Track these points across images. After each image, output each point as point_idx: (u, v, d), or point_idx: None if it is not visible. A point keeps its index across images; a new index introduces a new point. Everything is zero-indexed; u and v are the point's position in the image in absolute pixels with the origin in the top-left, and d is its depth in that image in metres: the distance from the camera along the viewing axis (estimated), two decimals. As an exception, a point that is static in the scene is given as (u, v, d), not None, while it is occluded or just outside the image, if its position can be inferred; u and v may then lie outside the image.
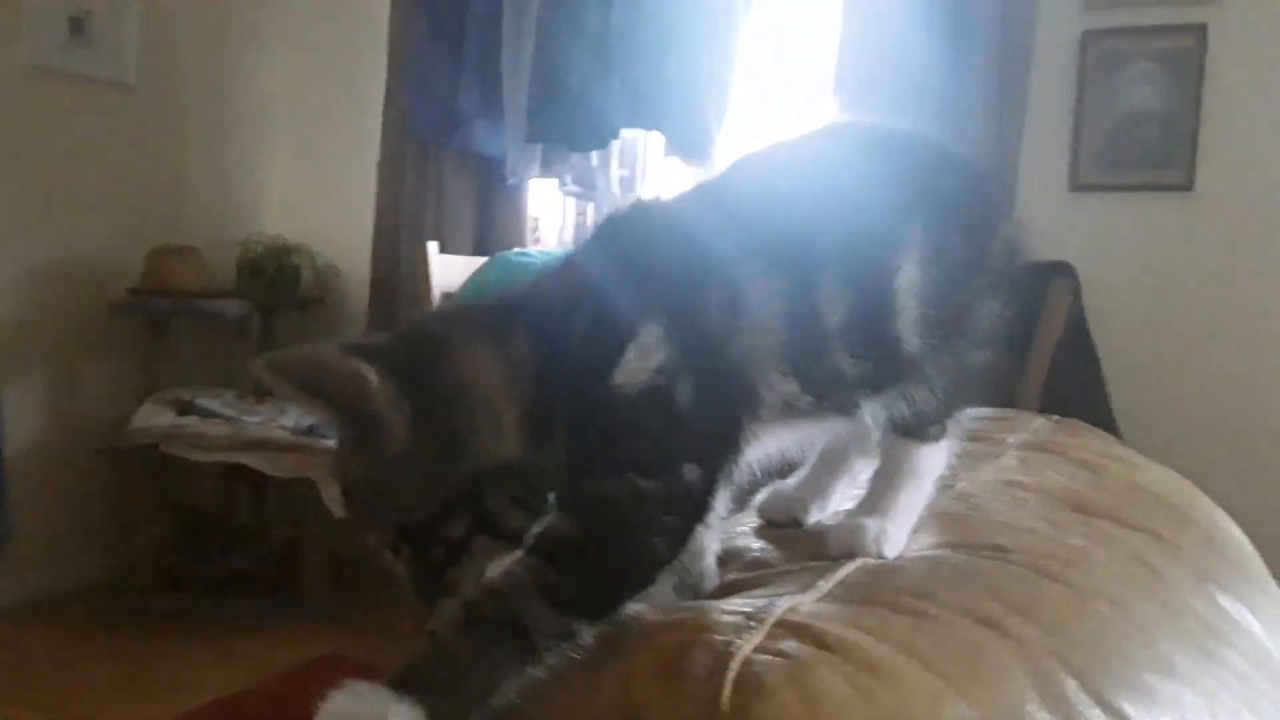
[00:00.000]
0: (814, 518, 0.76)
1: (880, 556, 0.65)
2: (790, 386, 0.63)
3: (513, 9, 2.90)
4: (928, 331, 0.68)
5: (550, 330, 0.59)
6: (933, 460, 0.73)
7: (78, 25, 2.90)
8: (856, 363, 0.65)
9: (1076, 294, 2.53)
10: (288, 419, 2.86)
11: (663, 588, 0.58)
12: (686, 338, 0.59)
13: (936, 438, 0.73)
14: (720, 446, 0.60)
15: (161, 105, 3.15)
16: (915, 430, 0.72)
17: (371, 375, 0.56)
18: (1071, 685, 0.50)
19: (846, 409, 0.68)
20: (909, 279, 0.67)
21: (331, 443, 2.44)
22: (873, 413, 0.70)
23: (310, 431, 2.81)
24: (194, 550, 2.92)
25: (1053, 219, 2.69)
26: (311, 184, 3.47)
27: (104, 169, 3.01)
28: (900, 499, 0.70)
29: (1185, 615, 0.65)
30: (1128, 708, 0.52)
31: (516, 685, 0.52)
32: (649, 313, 0.59)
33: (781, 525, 0.73)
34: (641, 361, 0.58)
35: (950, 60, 2.57)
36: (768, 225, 0.65)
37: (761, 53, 2.90)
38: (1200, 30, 2.54)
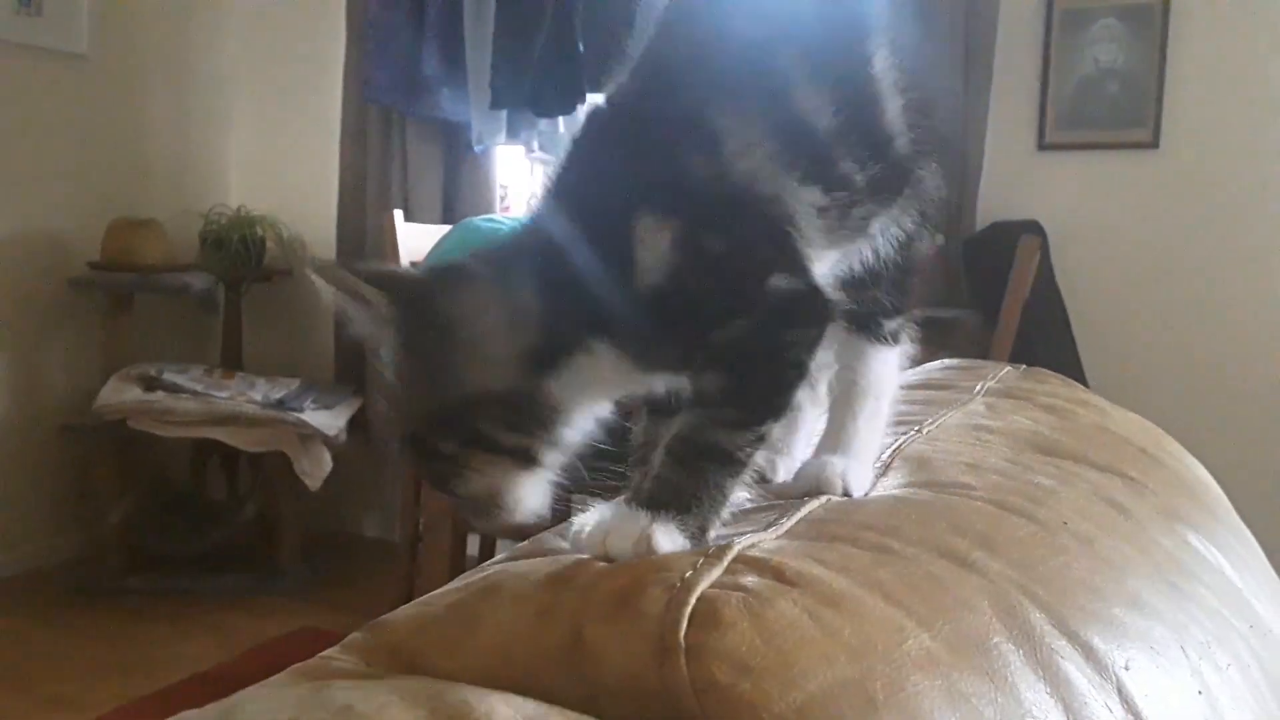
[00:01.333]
0: (781, 476, 0.74)
1: (846, 494, 0.63)
2: (812, 194, 0.62)
3: (474, -9, 2.85)
4: (910, 128, 0.66)
5: (555, 266, 0.61)
6: (888, 371, 0.71)
7: (28, -5, 2.82)
8: (861, 168, 0.64)
9: (1045, 251, 2.54)
10: (257, 393, 2.83)
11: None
12: (679, 201, 0.60)
13: (894, 337, 0.72)
14: (783, 250, 0.60)
15: (116, 75, 3.08)
16: (874, 327, 0.70)
17: (370, 299, 0.61)
18: (1038, 618, 0.49)
19: (863, 225, 0.67)
20: (885, 65, 0.65)
21: (302, 415, 2.41)
22: (881, 231, 0.69)
23: (280, 405, 2.78)
24: (165, 527, 2.89)
25: (1021, 178, 2.70)
26: (275, 154, 3.41)
27: (59, 142, 2.95)
28: (861, 429, 0.69)
29: (1154, 551, 0.64)
30: (1097, 640, 0.51)
31: (736, 491, 0.59)
32: (630, 207, 0.59)
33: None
34: (654, 256, 0.59)
35: (916, 22, 2.56)
36: (723, 54, 0.64)
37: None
38: (1165, -14, 2.54)
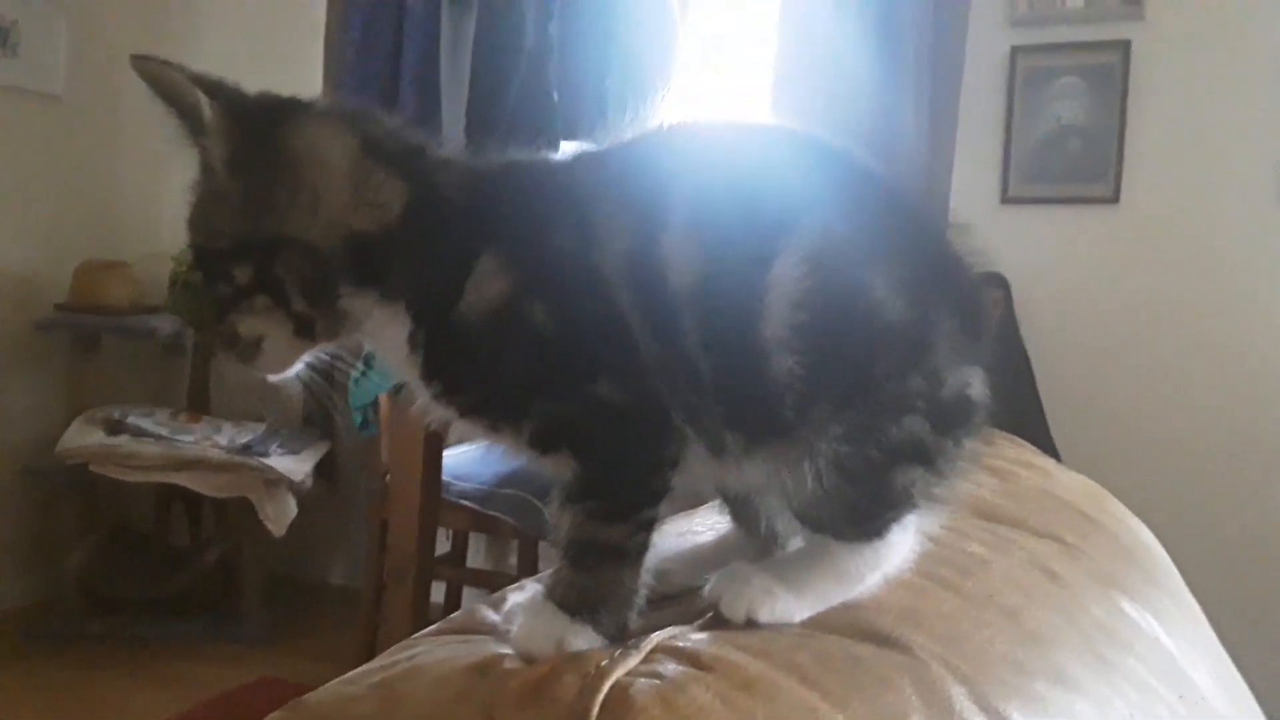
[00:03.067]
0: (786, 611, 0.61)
1: (750, 621, 0.56)
2: (652, 349, 0.58)
3: (450, 21, 2.88)
4: (811, 361, 0.57)
5: (424, 200, 0.61)
6: (866, 559, 0.61)
7: (2, 35, 2.84)
8: (713, 365, 0.58)
9: (1008, 304, 2.58)
10: (223, 437, 2.81)
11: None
12: (528, 264, 0.59)
13: (864, 535, 0.61)
14: (616, 358, 0.58)
15: (91, 117, 3.08)
16: (827, 525, 0.61)
17: (208, 110, 0.62)
18: (959, 693, 0.50)
19: (717, 446, 0.60)
20: (788, 273, 0.58)
21: (267, 460, 2.38)
22: (753, 483, 0.62)
23: (245, 449, 2.76)
24: (126, 572, 2.85)
25: (984, 231, 2.72)
26: (247, 198, 3.41)
27: (31, 182, 2.94)
28: (814, 583, 0.60)
29: (1083, 621, 0.65)
30: (1016, 716, 0.52)
31: (641, 577, 0.58)
32: (483, 248, 0.60)
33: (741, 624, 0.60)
34: (479, 296, 0.59)
35: (883, 76, 2.61)
36: (632, 169, 0.63)
37: (698, 68, 2.91)
38: (1124, 46, 2.60)
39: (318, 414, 3.13)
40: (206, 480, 2.70)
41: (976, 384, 0.64)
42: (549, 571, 0.63)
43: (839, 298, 0.58)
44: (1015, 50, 2.69)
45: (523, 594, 0.63)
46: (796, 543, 0.65)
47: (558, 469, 0.60)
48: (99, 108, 3.10)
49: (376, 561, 2.63)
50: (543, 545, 2.65)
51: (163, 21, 3.29)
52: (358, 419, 2.34)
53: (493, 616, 0.61)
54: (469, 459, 2.57)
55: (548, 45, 2.80)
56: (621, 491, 0.59)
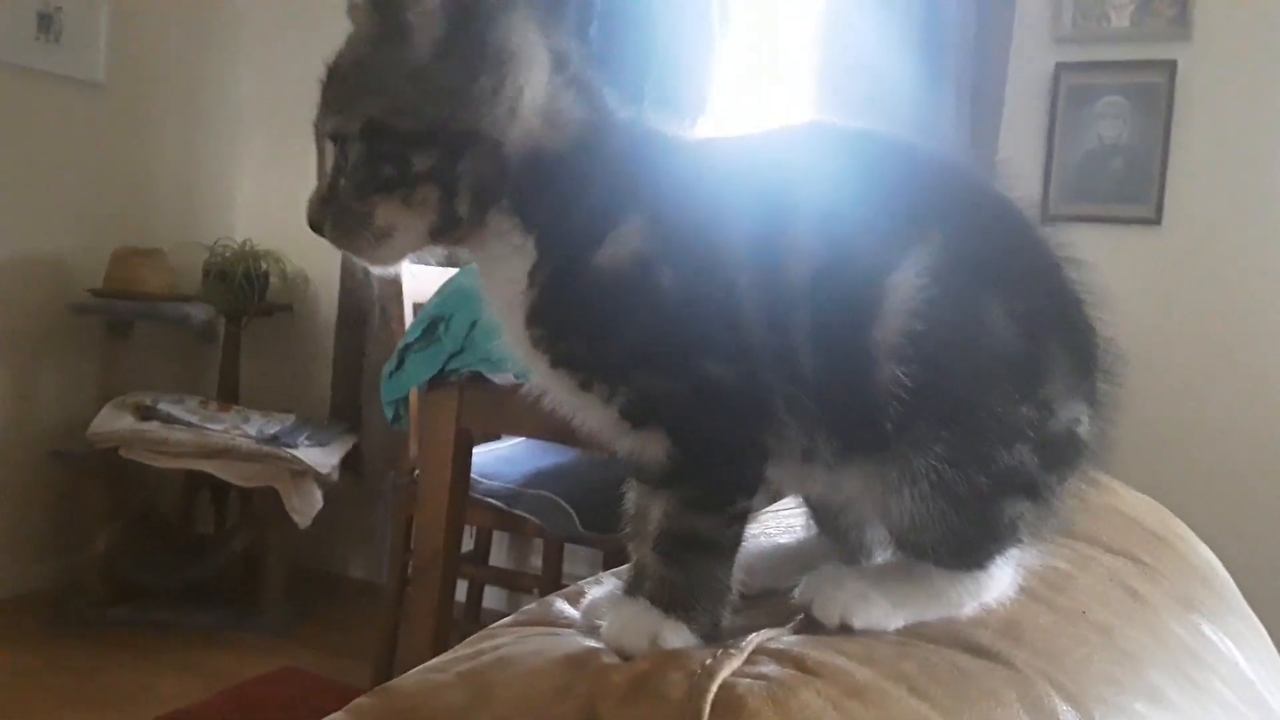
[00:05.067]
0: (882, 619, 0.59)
1: (844, 625, 0.55)
2: (763, 335, 0.57)
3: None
4: (920, 374, 0.56)
5: (590, 144, 0.60)
6: (966, 587, 0.59)
7: (46, 21, 2.85)
8: (819, 363, 0.57)
9: (1047, 322, 2.56)
10: (251, 427, 2.82)
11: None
12: (668, 231, 0.58)
13: (965, 565, 0.59)
14: (729, 338, 0.57)
15: (131, 104, 3.10)
16: (929, 551, 0.59)
17: None
18: (1065, 710, 0.48)
19: (809, 448, 0.59)
20: (909, 281, 0.57)
21: (295, 451, 2.36)
22: (847, 495, 0.60)
23: (274, 440, 2.76)
24: (150, 558, 2.85)
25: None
26: (283, 188, 3.42)
27: (70, 168, 2.96)
28: (911, 596, 0.58)
29: (1170, 642, 0.64)
30: (1116, 735, 0.50)
31: (732, 571, 0.57)
32: (633, 207, 0.59)
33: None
34: (621, 246, 0.58)
35: (924, 89, 2.59)
36: (768, 158, 0.63)
37: (738, 77, 2.90)
38: (1170, 66, 2.58)
39: (345, 408, 3.14)
40: (234, 469, 2.70)
41: (1085, 421, 0.62)
42: (625, 567, 0.62)
43: (957, 313, 0.57)
44: (1060, 67, 2.67)
45: (601, 588, 0.62)
46: (885, 554, 0.64)
47: (647, 447, 0.59)
48: (139, 95, 3.12)
49: (401, 557, 2.62)
50: (568, 547, 2.64)
51: (206, 11, 3.31)
52: (390, 413, 2.34)
53: (570, 611, 0.60)
54: (496, 457, 2.56)
55: (589, 43, 2.80)
56: (716, 477, 0.58)
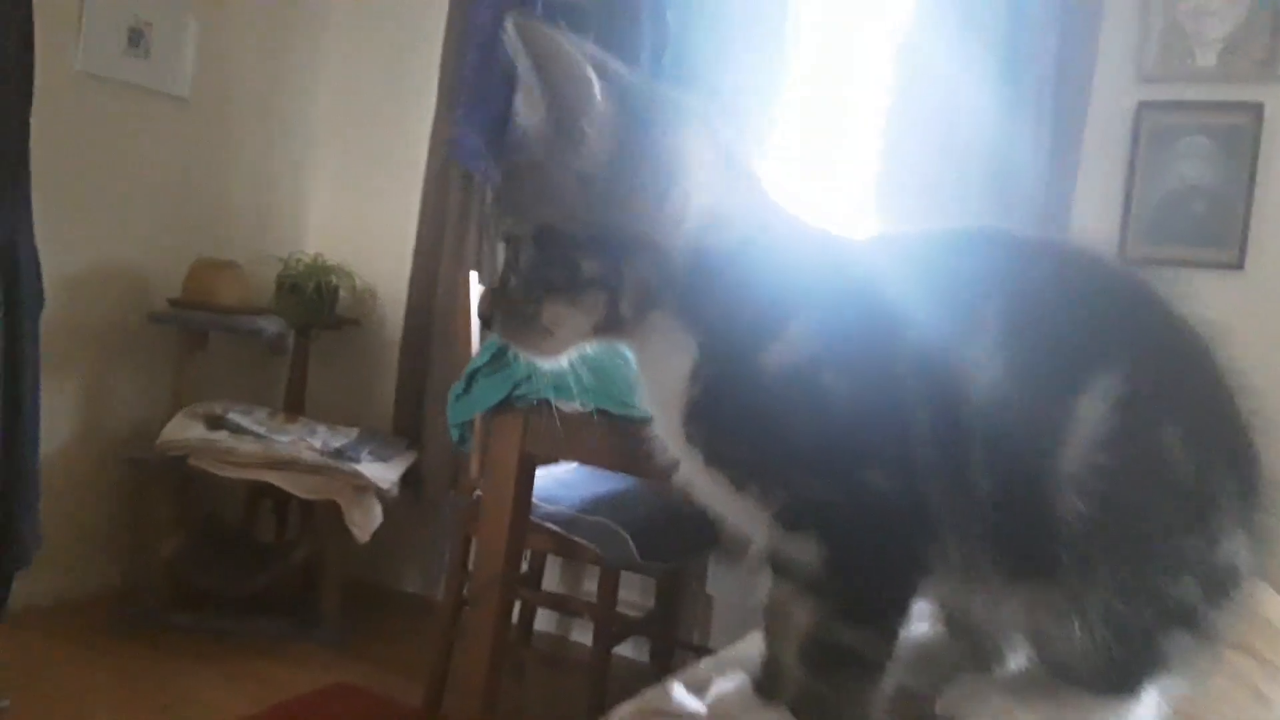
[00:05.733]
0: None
1: None
2: (930, 451, 0.55)
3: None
4: (1101, 507, 0.54)
5: (734, 262, 0.59)
6: (1113, 710, 0.58)
7: (136, 36, 2.93)
8: (993, 487, 0.54)
9: (1121, 367, 2.50)
10: (317, 439, 2.85)
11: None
12: (836, 336, 0.57)
13: (1116, 691, 0.58)
14: (895, 450, 0.55)
15: (212, 119, 3.17)
16: (1084, 679, 0.57)
17: (599, 92, 0.58)
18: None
19: (970, 571, 0.57)
20: (1094, 409, 0.55)
21: (357, 466, 2.39)
22: (1004, 619, 0.58)
23: (338, 454, 2.79)
24: (213, 566, 2.90)
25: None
26: (355, 204, 3.48)
27: (152, 179, 3.03)
28: (1055, 716, 0.58)
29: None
30: None
31: (881, 696, 0.55)
32: (801, 308, 0.58)
33: None
34: (788, 350, 0.57)
35: (1002, 124, 2.56)
36: (940, 267, 0.61)
37: (810, 98, 2.89)
38: (1257, 109, 2.52)
39: (407, 423, 3.17)
40: (298, 481, 2.74)
41: (1244, 552, 0.60)
42: (752, 653, 0.60)
43: (1140, 444, 0.56)
44: (1142, 106, 2.62)
45: (730, 682, 0.60)
46: (1018, 658, 0.62)
47: (799, 550, 0.57)
48: (220, 111, 3.20)
49: (458, 577, 2.63)
50: (623, 573, 2.63)
51: (287, 31, 3.39)
52: (455, 434, 2.35)
53: (694, 704, 0.58)
54: (555, 481, 2.57)
55: (664, 66, 2.80)
56: (868, 589, 0.56)
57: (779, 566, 0.60)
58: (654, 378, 0.62)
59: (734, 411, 0.58)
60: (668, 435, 0.62)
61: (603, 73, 0.59)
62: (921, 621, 0.68)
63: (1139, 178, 2.65)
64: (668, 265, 0.58)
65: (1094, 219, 2.65)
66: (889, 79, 2.69)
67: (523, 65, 0.59)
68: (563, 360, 0.63)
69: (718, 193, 0.60)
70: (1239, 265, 2.55)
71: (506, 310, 0.62)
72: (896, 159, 2.66)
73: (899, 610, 0.57)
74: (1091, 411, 0.56)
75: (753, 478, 0.59)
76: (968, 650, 0.65)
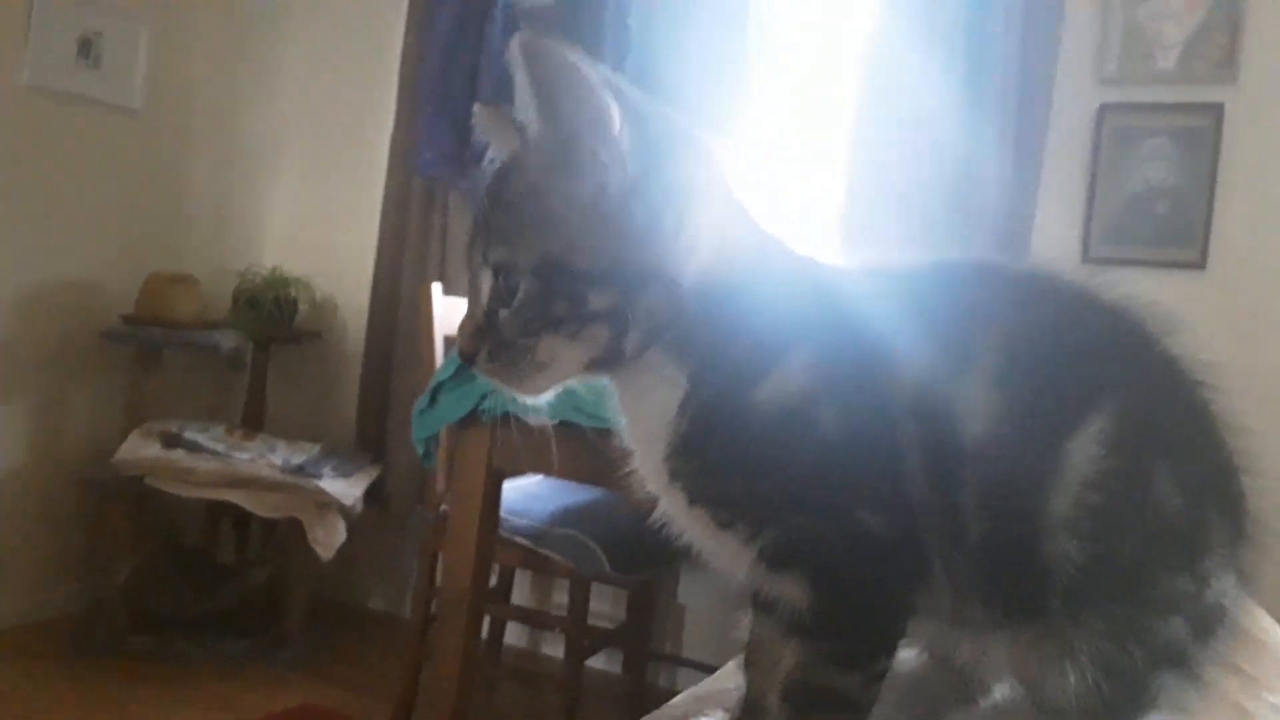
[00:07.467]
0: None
1: None
2: (922, 490, 0.54)
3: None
4: (1092, 548, 0.53)
5: (726, 297, 0.57)
6: None
7: (86, 47, 2.86)
8: (984, 528, 0.53)
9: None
10: (277, 456, 2.80)
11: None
12: (831, 370, 0.56)
13: None
14: (887, 488, 0.54)
15: (166, 131, 3.11)
16: (1064, 713, 0.56)
17: (618, 122, 0.55)
18: None
19: (958, 613, 0.55)
20: (1086, 451, 0.54)
21: (320, 483, 2.32)
22: (993, 662, 0.57)
23: (299, 470, 2.74)
24: (172, 587, 2.83)
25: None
26: (315, 216, 3.43)
27: (105, 193, 2.96)
28: None
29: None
30: None
31: None
32: (798, 342, 0.56)
33: None
34: (784, 384, 0.55)
35: (967, 128, 2.56)
36: (935, 302, 0.59)
37: (775, 109, 2.88)
38: (1217, 109, 2.54)
39: (370, 438, 3.11)
40: (259, 499, 2.68)
41: (1232, 592, 0.60)
42: (729, 687, 0.58)
43: (1131, 485, 0.55)
44: (1103, 108, 2.63)
45: None
46: (1003, 689, 0.60)
47: (785, 590, 0.56)
48: (174, 122, 3.13)
49: (425, 594, 2.59)
50: (594, 585, 2.60)
51: (243, 40, 3.32)
52: (420, 449, 2.31)
53: None
54: (524, 494, 2.53)
55: (628, 71, 2.78)
56: (857, 632, 0.54)
57: (762, 605, 0.58)
58: (638, 412, 0.60)
59: (723, 446, 0.56)
60: (648, 471, 0.59)
61: (620, 99, 0.56)
62: (908, 650, 0.66)
63: (1101, 179, 2.66)
64: (675, 299, 0.56)
65: (1058, 220, 2.65)
66: (856, 87, 2.68)
67: (524, 87, 0.56)
68: (548, 396, 0.60)
69: (722, 224, 0.57)
70: (1201, 264, 2.57)
71: (496, 347, 0.59)
72: (866, 166, 2.65)
73: (887, 653, 0.55)
74: (1083, 452, 0.54)
75: (739, 515, 0.56)
76: (954, 682, 0.63)
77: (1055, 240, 2.66)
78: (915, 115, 2.56)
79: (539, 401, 0.60)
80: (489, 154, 0.63)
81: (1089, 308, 0.62)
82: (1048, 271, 0.62)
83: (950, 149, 2.53)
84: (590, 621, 2.51)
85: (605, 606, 2.90)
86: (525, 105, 0.56)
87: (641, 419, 0.59)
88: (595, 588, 2.68)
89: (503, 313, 0.58)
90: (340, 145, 3.37)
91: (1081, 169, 2.66)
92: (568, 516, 2.40)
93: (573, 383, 0.60)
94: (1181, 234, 2.60)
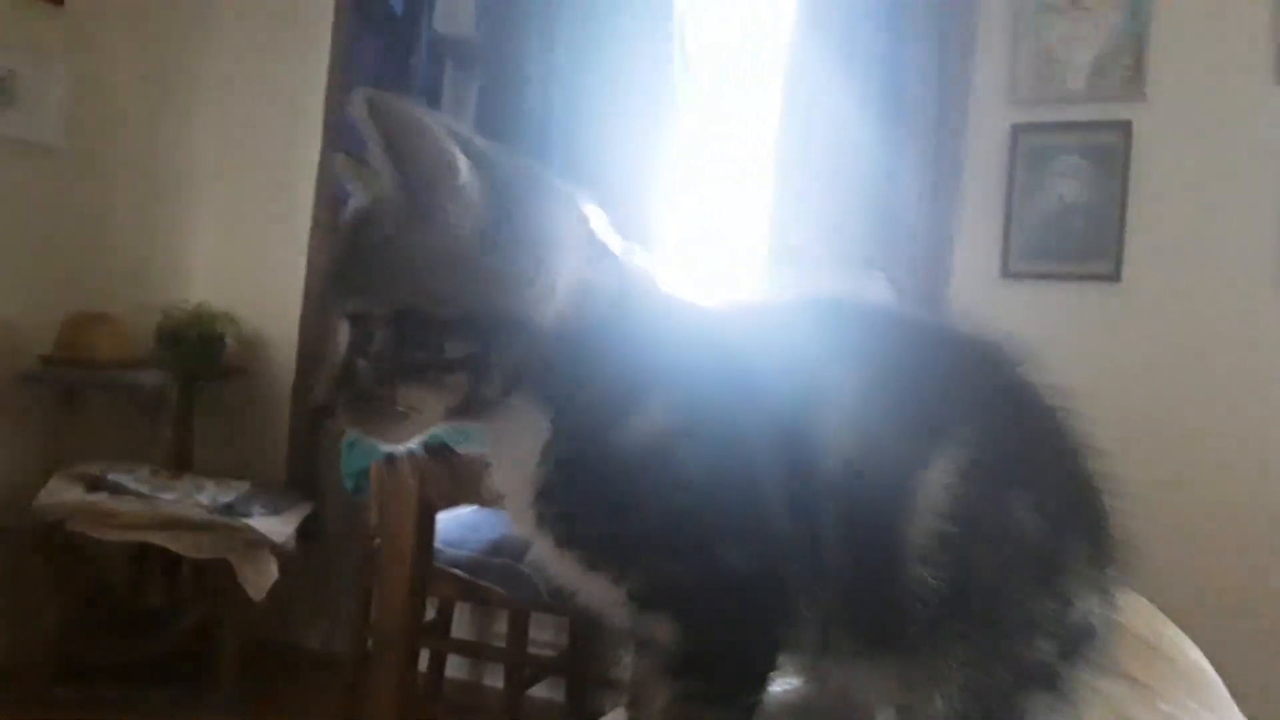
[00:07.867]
0: None
1: None
2: (785, 525, 0.55)
3: (453, 86, 2.88)
4: (947, 577, 0.54)
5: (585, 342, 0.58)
6: None
7: (0, 85, 2.80)
8: (844, 560, 0.54)
9: (1010, 381, 2.56)
10: (205, 495, 2.74)
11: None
12: (692, 410, 0.56)
13: None
14: (750, 525, 0.54)
15: (86, 168, 3.04)
16: None
17: (465, 173, 0.55)
18: None
19: (822, 643, 0.56)
20: (939, 480, 0.55)
21: (249, 521, 2.29)
22: (864, 688, 0.57)
23: (228, 510, 2.68)
24: (99, 635, 2.75)
25: (985, 305, 2.73)
26: (240, 249, 3.38)
27: (21, 232, 2.89)
28: None
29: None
30: None
31: None
32: (656, 385, 0.57)
33: None
34: (644, 425, 0.56)
35: (886, 150, 2.62)
36: (794, 339, 0.60)
37: (700, 133, 2.91)
38: (1126, 127, 2.62)
39: (301, 474, 3.06)
40: (185, 541, 2.62)
41: (1098, 610, 0.61)
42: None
43: (986, 511, 0.56)
44: (1016, 128, 2.70)
45: None
46: (886, 714, 0.61)
47: (653, 630, 0.56)
48: (95, 159, 3.07)
49: (359, 631, 2.55)
50: (534, 615, 2.58)
51: (165, 73, 3.28)
52: (350, 484, 2.28)
53: None
54: (460, 523, 2.51)
55: (552, 111, 2.80)
56: (724, 668, 0.55)
57: (639, 644, 0.58)
58: (504, 457, 0.60)
59: (586, 490, 0.57)
60: (516, 515, 0.59)
61: (467, 149, 0.57)
62: (793, 678, 0.67)
63: (1018, 197, 2.73)
64: (537, 344, 0.57)
65: (977, 237, 2.72)
66: (778, 111, 2.73)
67: (373, 141, 0.56)
68: (411, 444, 0.60)
69: (582, 270, 0.58)
70: (1116, 277, 2.64)
71: (353, 398, 0.58)
72: (789, 188, 2.69)
73: (756, 688, 0.56)
74: (938, 481, 0.55)
75: (604, 558, 0.57)
76: (843, 709, 0.64)
77: (975, 256, 2.72)
78: (836, 138, 2.61)
79: (401, 449, 0.60)
80: (350, 203, 0.63)
81: (943, 342, 0.64)
82: (902, 309, 0.64)
83: (871, 170, 2.59)
84: (532, 650, 2.50)
85: (548, 635, 2.88)
86: (376, 158, 0.57)
87: (507, 464, 0.60)
88: (536, 616, 2.66)
89: (360, 363, 0.57)
90: (265, 177, 3.33)
91: (998, 187, 2.73)
92: (505, 545, 2.38)
93: (437, 430, 0.60)
94: (1096, 248, 2.67)
